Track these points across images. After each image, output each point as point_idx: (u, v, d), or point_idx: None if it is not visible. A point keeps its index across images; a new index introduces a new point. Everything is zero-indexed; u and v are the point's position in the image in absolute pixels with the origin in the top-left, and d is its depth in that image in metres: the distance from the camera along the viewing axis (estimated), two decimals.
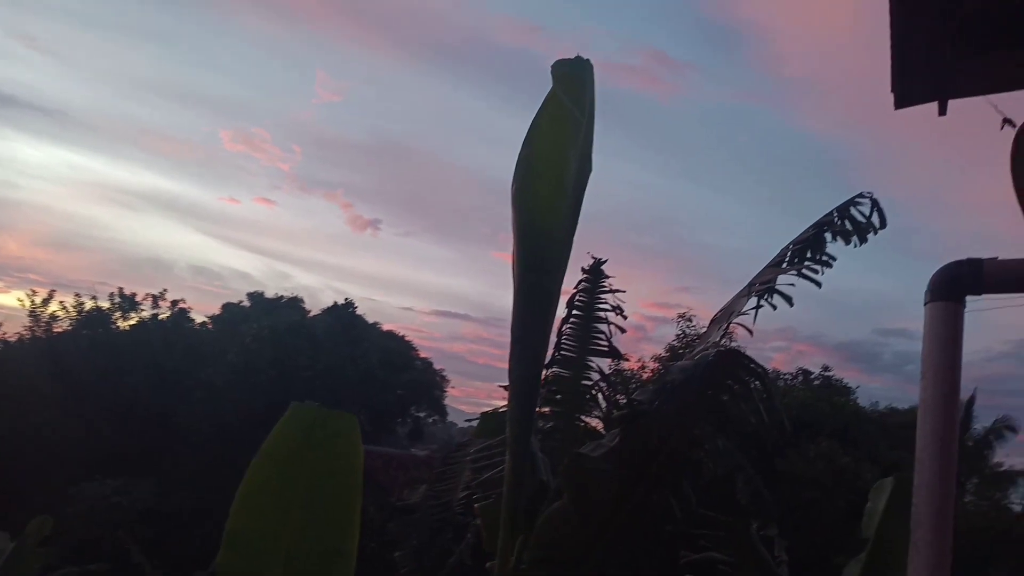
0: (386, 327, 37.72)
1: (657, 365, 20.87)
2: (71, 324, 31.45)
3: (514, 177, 3.09)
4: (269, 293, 37.42)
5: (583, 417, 5.30)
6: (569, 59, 3.10)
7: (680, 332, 21.67)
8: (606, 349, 5.46)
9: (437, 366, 38.01)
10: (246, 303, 36.94)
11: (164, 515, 24.10)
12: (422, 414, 37.63)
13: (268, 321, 31.67)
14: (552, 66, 3.04)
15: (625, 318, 5.48)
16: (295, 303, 36.49)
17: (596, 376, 5.48)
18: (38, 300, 31.65)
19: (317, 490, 2.92)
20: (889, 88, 2.87)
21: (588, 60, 3.12)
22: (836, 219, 3.59)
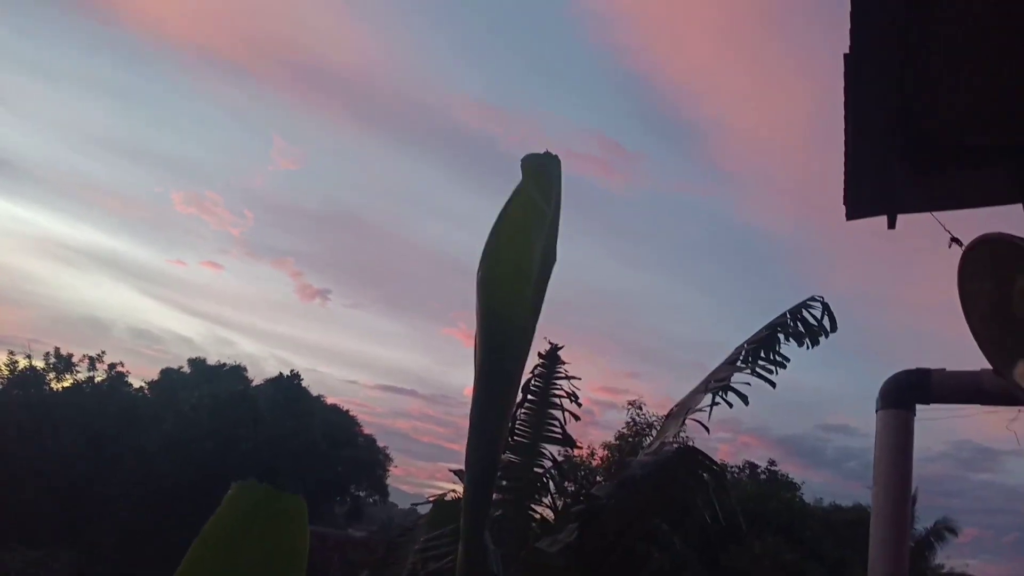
0: (330, 400, 37.01)
1: (606, 453, 20.77)
2: (1, 383, 30.13)
3: (480, 264, 3.12)
4: (211, 359, 36.54)
5: (533, 505, 5.23)
6: (538, 154, 3.19)
7: (630, 420, 21.70)
8: (560, 436, 5.43)
9: (380, 443, 37.28)
10: (186, 369, 35.97)
11: None
12: (362, 493, 36.62)
13: (209, 389, 30.79)
14: (522, 160, 3.12)
15: (580, 405, 5.48)
16: (237, 371, 35.65)
17: (548, 463, 5.43)
18: None
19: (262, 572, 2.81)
20: (841, 199, 3.01)
21: (556, 156, 3.22)
22: (789, 321, 3.71)
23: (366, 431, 37.19)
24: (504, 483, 5.21)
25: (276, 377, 34.14)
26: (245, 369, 35.85)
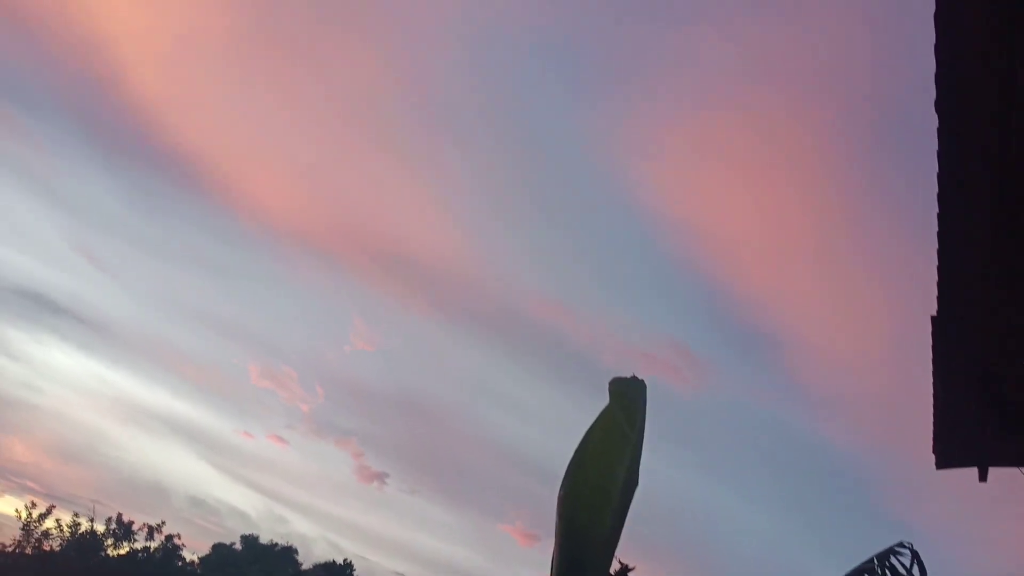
0: None
1: None
2: (61, 544, 30.19)
3: (563, 481, 3.18)
4: (264, 537, 35.94)
5: None
6: (625, 378, 3.31)
7: None
8: None
9: None
10: (238, 546, 35.39)
11: None
12: None
13: (259, 569, 30.07)
14: (609, 383, 3.25)
15: None
16: (288, 553, 34.86)
17: None
18: (35, 514, 30.73)
19: None
20: (931, 447, 3.00)
21: (643, 381, 3.33)
22: (876, 567, 3.56)
23: None
24: None
25: (328, 563, 33.25)
26: (296, 551, 35.09)
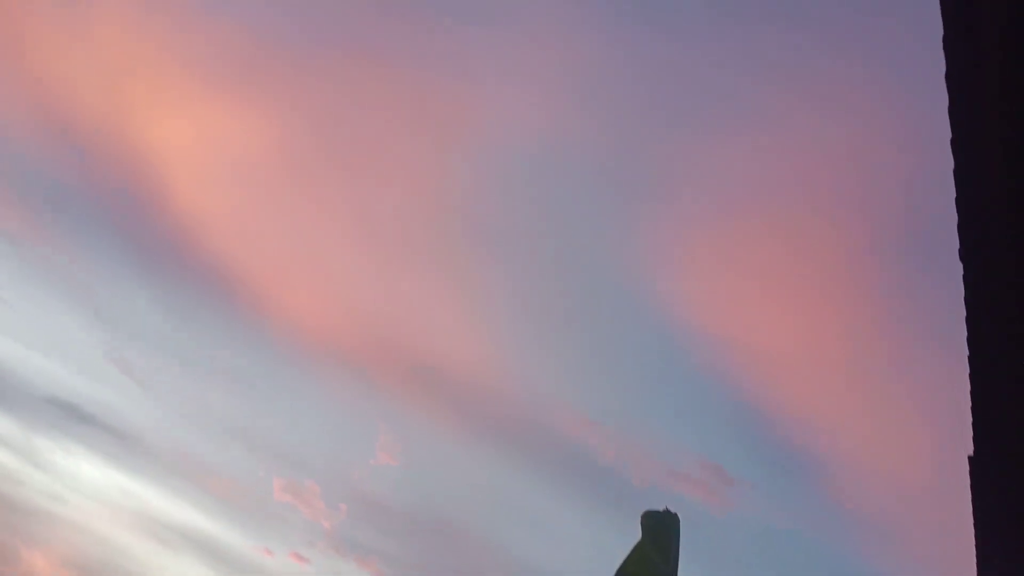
0: None
1: None
2: None
3: None
4: None
5: None
6: (657, 511, 3.28)
7: None
8: None
9: None
10: None
11: None
12: None
13: None
14: (642, 517, 3.21)
15: None
16: None
17: None
18: None
19: None
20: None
21: (675, 515, 3.29)
22: None
23: None
24: None
25: None
26: None
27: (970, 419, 2.52)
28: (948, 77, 2.29)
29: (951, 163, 2.47)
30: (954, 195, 2.49)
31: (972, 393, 2.19)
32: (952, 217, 2.52)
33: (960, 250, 2.29)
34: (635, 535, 3.31)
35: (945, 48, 2.28)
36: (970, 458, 2.24)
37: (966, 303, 2.38)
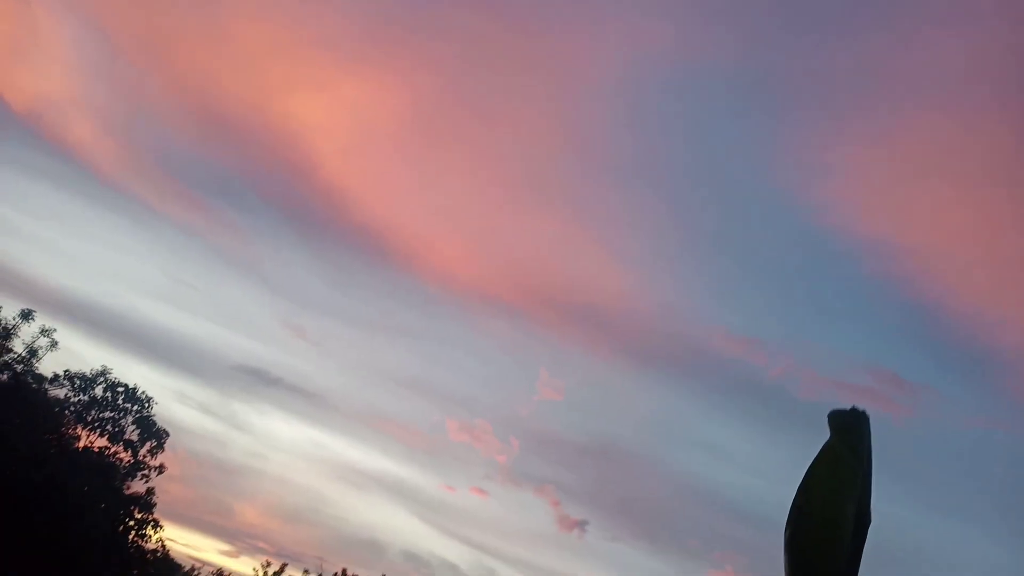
0: None
1: None
2: None
3: (787, 523, 3.05)
4: None
5: None
6: (845, 409, 3.16)
7: None
8: None
9: None
10: None
11: None
12: None
13: None
14: (828, 416, 3.11)
15: None
16: None
17: None
18: (270, 572, 33.40)
19: None
20: None
21: (864, 412, 3.16)
22: None
23: None
24: None
25: None
26: None
27: None
28: None
29: None
30: None
31: None
32: None
33: None
34: (807, 450, 3.21)
35: None
36: None
37: None
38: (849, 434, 2.99)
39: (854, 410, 3.09)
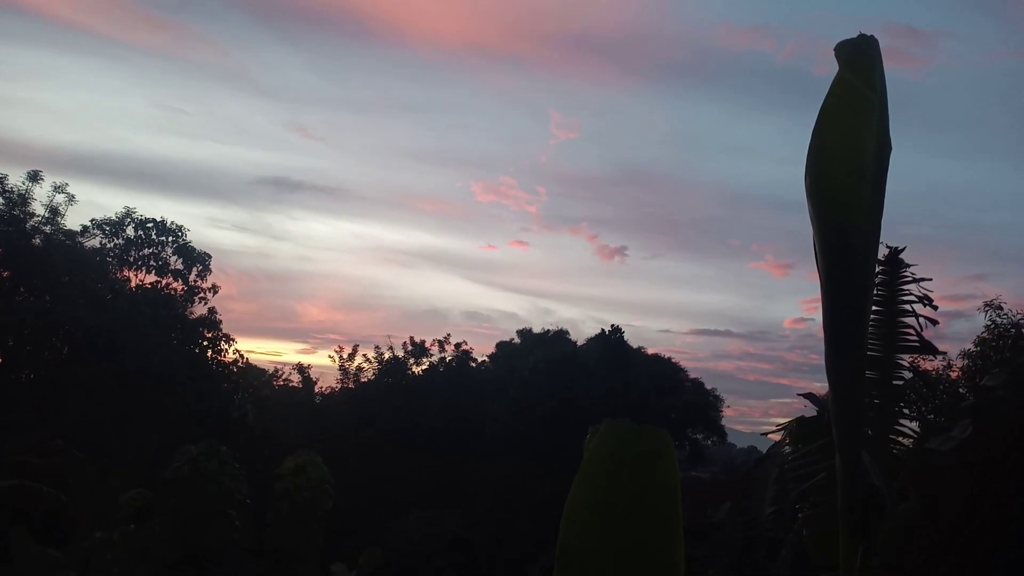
0: (650, 351, 37.56)
1: (966, 362, 18.61)
2: (374, 374, 35.20)
3: (807, 170, 2.99)
4: (536, 328, 38.96)
5: (900, 421, 4.89)
6: (852, 39, 2.96)
7: (989, 323, 19.15)
8: (917, 344, 5.01)
9: (708, 386, 37.04)
10: (517, 340, 38.76)
11: (470, 542, 25.78)
12: (699, 436, 36.76)
13: (541, 354, 32.98)
14: (836, 48, 2.93)
15: (936, 308, 5.00)
16: (562, 336, 37.60)
17: (908, 374, 5.04)
18: (344, 356, 35.88)
19: (638, 508, 2.88)
20: None
21: (872, 37, 2.96)
22: None
23: (691, 376, 37.28)
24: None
25: (599, 334, 35.49)
26: (568, 333, 37.76)
27: None
28: None
29: None
30: None
31: None
32: None
33: None
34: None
35: None
36: None
37: None
38: (858, 62, 2.83)
39: (862, 36, 2.90)
